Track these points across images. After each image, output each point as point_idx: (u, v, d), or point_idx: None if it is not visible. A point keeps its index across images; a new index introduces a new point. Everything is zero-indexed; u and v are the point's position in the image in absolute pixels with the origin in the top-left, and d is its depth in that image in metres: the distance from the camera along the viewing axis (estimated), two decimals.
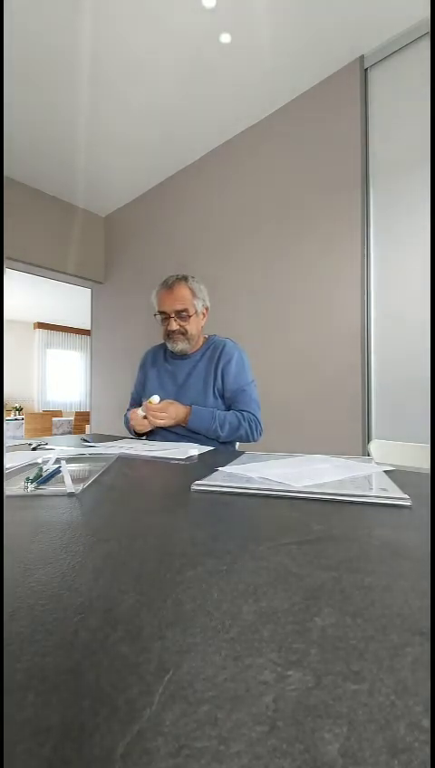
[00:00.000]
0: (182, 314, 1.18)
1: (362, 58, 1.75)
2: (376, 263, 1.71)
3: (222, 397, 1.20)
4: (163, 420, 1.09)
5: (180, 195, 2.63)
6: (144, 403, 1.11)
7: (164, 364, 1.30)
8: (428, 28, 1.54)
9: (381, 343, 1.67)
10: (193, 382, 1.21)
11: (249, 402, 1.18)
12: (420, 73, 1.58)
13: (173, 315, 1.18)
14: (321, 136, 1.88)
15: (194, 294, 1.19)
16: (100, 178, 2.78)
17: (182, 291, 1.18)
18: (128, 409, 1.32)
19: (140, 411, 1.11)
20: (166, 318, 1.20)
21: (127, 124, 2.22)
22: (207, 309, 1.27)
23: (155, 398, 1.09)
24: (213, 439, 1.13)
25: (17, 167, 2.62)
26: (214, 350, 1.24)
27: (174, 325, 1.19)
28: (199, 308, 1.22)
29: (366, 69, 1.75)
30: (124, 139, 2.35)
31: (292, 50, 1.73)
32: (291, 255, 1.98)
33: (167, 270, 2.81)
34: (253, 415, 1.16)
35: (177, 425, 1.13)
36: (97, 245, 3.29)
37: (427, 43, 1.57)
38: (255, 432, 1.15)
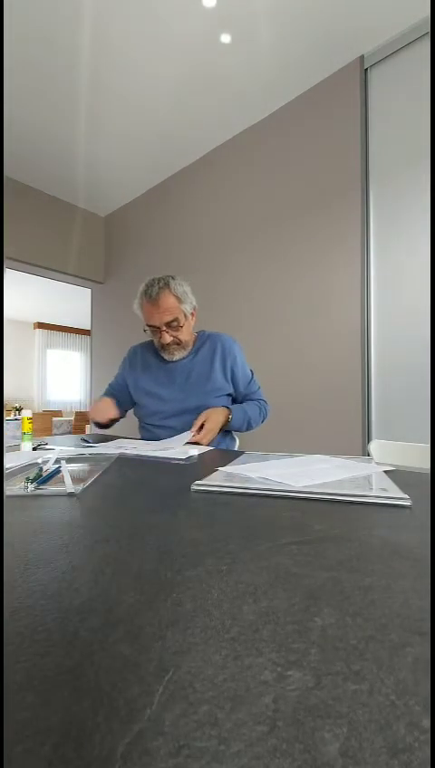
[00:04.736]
0: (173, 324, 1.10)
1: (362, 58, 1.75)
2: (376, 262, 1.71)
3: (227, 394, 1.19)
4: (212, 434, 1.06)
5: (180, 194, 2.63)
6: (190, 435, 1.02)
7: (158, 366, 1.23)
8: (428, 28, 1.55)
9: (381, 343, 1.67)
10: (195, 382, 1.17)
11: (257, 390, 1.27)
12: (420, 73, 1.58)
13: (164, 328, 1.10)
14: (321, 136, 1.88)
15: (180, 300, 1.10)
16: (100, 178, 2.78)
17: (168, 300, 1.08)
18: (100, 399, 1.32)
19: (184, 438, 1.02)
20: (157, 330, 1.12)
21: (127, 124, 2.22)
22: (195, 309, 1.18)
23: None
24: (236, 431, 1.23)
25: (17, 166, 2.62)
26: (211, 346, 1.20)
27: (167, 338, 1.12)
28: (188, 311, 1.14)
29: (366, 69, 1.75)
30: (124, 139, 2.35)
31: (292, 50, 1.73)
32: (291, 255, 1.98)
33: (167, 270, 2.83)
34: (264, 402, 1.27)
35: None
36: (97, 245, 3.29)
37: (427, 43, 1.57)
38: (266, 416, 1.26)
